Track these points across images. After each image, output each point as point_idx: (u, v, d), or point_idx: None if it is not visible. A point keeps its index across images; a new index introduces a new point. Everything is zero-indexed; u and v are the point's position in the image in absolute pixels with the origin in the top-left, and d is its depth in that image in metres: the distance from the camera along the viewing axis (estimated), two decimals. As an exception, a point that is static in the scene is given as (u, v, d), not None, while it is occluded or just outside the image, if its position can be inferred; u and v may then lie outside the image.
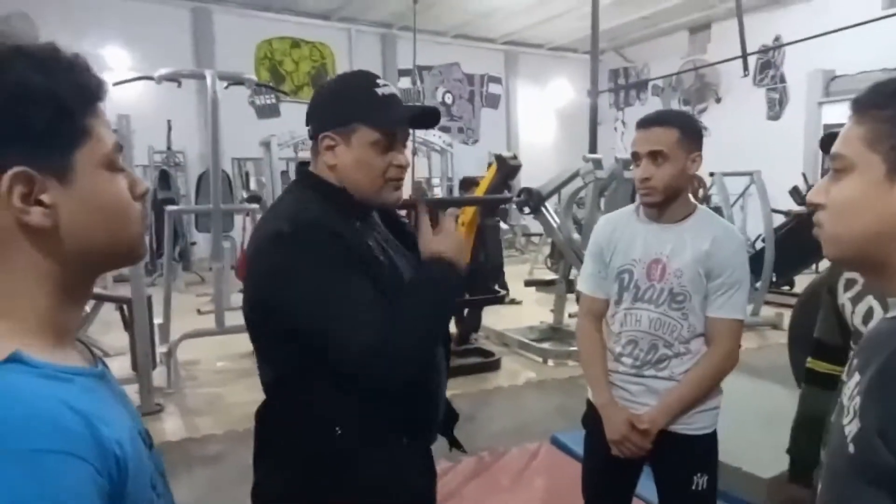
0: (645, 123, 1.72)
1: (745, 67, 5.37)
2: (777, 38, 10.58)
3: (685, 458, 1.74)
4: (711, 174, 6.48)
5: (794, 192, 7.29)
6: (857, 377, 0.76)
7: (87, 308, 6.05)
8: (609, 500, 1.89)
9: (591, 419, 1.83)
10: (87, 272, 0.69)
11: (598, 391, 1.82)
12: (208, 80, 4.74)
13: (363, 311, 1.13)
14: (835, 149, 0.79)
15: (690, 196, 1.79)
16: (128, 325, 4.78)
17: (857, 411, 0.73)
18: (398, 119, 1.29)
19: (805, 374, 1.59)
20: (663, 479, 1.82)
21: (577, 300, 6.48)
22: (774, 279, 6.99)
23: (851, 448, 0.72)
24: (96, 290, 6.83)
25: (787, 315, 5.94)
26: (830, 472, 0.80)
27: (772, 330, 6.36)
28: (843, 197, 0.78)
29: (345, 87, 1.32)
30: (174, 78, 4.89)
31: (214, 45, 11.27)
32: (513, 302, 7.55)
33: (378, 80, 1.29)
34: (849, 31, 5.76)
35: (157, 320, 5.12)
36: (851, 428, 0.73)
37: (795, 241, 6.48)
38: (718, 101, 12.49)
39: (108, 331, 5.81)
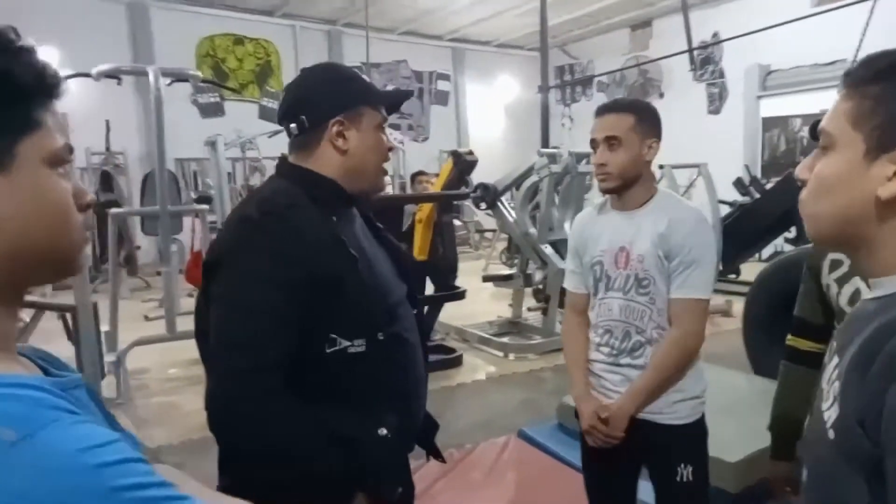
0: (601, 111, 1.76)
1: (692, 62, 5.51)
2: (716, 35, 10.91)
3: (668, 449, 1.74)
4: (661, 167, 6.63)
5: (738, 184, 7.52)
6: (836, 360, 0.76)
7: (26, 318, 5.75)
8: (609, 496, 1.87)
9: None
10: (20, 276, 0.62)
11: (574, 384, 1.83)
12: (151, 77, 4.54)
13: (254, 347, 1.10)
14: (822, 124, 0.78)
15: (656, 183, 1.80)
16: (72, 334, 4.55)
17: (836, 397, 0.72)
18: (393, 99, 1.34)
19: (786, 352, 1.62)
20: (653, 473, 1.81)
21: (534, 294, 6.52)
22: (721, 268, 7.21)
23: (832, 434, 0.72)
24: (36, 298, 6.50)
25: (737, 302, 6.15)
26: (813, 458, 0.79)
27: (722, 317, 6.56)
28: (823, 175, 0.76)
29: (338, 74, 1.33)
30: (114, 75, 4.67)
31: (153, 42, 10.85)
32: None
33: (355, 69, 1.35)
34: (783, 28, 5.99)
35: (104, 328, 4.90)
36: (831, 413, 0.72)
37: (741, 230, 6.69)
38: (661, 96, 12.81)
39: (49, 341, 5.53)
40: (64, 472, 0.49)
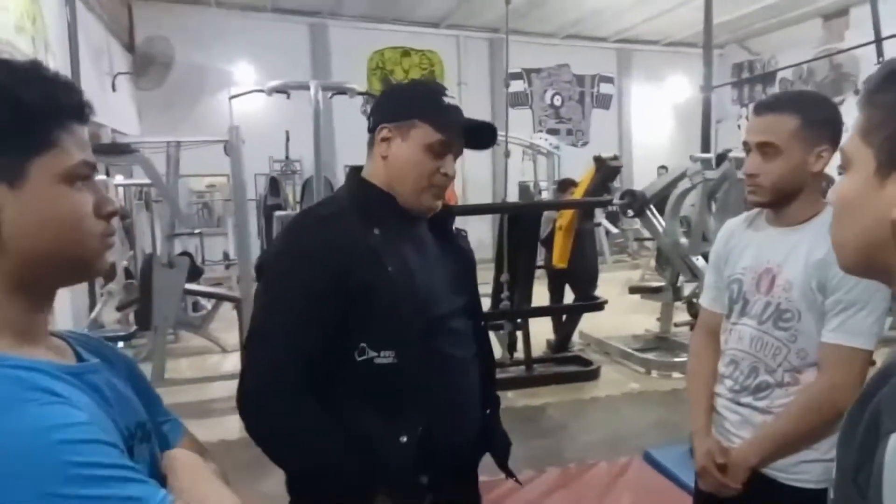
0: (759, 108, 1.48)
1: (880, 53, 4.78)
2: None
3: None
4: (840, 172, 5.88)
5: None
6: None
7: (209, 306, 6.54)
8: None
9: None
10: (41, 279, 0.70)
11: (693, 415, 1.63)
12: (311, 91, 4.95)
13: (272, 340, 1.18)
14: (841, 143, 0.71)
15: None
16: (243, 323, 5.10)
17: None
18: (456, 122, 1.29)
19: None
20: None
21: (688, 309, 6.06)
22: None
23: (832, 493, 0.68)
24: (219, 290, 7.36)
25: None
26: None
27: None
28: (840, 197, 0.69)
29: (413, 88, 1.42)
30: (282, 90, 5.16)
31: (330, 58, 11.77)
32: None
33: (446, 92, 1.32)
34: None
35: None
36: (835, 474, 0.68)
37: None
38: (857, 92, 11.36)
39: (229, 328, 6.22)
40: (22, 443, 0.57)
